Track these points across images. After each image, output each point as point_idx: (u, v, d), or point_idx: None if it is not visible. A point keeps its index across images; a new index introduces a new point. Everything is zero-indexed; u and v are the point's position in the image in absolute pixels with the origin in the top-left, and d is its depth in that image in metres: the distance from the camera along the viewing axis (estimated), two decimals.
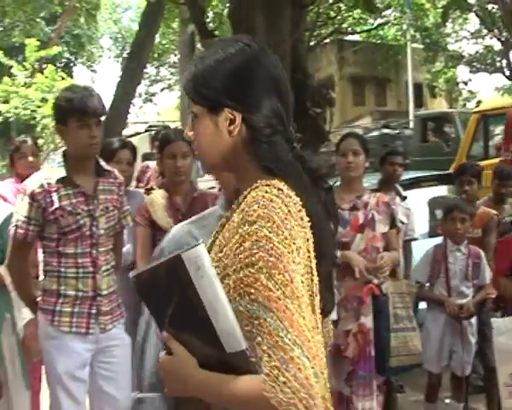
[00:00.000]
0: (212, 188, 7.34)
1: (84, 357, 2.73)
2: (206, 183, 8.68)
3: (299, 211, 1.22)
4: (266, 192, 1.21)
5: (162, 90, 31.67)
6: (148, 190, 3.55)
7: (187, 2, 5.89)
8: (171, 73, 28.28)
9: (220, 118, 1.29)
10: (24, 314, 3.02)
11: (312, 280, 1.23)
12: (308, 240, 1.23)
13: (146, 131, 10.68)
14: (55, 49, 18.47)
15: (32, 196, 2.66)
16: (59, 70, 23.20)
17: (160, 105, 37.50)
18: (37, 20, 15.72)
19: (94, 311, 2.73)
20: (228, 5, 6.12)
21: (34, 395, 3.34)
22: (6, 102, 21.28)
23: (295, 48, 4.71)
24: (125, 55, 27.48)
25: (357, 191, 3.39)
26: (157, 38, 14.27)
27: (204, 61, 1.32)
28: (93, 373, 2.80)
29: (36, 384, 3.39)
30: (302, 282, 1.17)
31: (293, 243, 1.17)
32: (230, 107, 1.28)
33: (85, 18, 15.82)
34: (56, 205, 2.66)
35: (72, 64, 29.55)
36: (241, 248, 1.18)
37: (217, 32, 7.12)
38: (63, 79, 21.88)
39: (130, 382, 2.77)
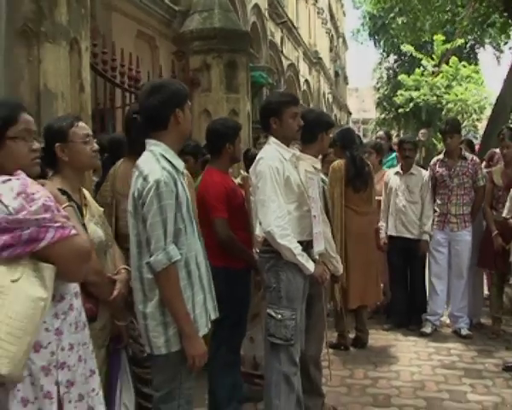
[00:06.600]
0: None
1: (441, 241, 5.64)
2: None
3: None
4: None
5: None
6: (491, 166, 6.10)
7: None
8: None
9: None
10: None
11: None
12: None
13: None
14: (458, 41, 20.65)
15: (430, 167, 5.83)
16: (462, 58, 25.28)
17: None
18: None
19: (446, 221, 5.59)
20: None
21: None
22: (417, 89, 24.66)
23: None
24: None
25: None
26: None
27: None
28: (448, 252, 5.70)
29: None
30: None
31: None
32: None
33: None
34: (436, 170, 5.63)
35: (477, 48, 30.72)
36: None
37: None
38: (465, 66, 24.00)
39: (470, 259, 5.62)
